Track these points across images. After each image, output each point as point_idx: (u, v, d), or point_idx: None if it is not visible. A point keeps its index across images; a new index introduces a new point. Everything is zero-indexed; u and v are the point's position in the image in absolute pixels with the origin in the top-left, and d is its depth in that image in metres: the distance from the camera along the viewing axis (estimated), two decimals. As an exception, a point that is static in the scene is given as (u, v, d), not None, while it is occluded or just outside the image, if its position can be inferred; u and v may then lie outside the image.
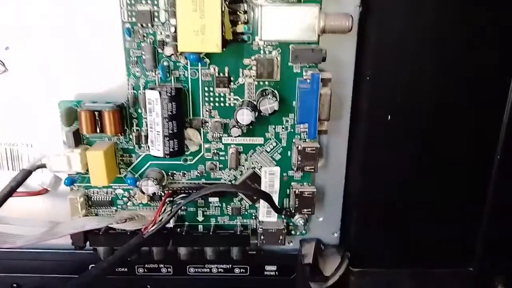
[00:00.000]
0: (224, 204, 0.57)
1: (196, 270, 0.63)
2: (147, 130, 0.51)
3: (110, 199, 0.58)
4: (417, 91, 0.50)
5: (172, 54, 0.49)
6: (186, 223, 0.59)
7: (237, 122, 0.51)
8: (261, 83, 0.51)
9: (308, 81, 0.50)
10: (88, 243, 0.56)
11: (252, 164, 0.55)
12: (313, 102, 0.50)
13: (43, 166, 0.54)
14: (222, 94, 0.52)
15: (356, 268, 0.58)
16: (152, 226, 0.51)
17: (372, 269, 0.59)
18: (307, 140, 0.53)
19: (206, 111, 0.52)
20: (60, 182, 0.56)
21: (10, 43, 0.51)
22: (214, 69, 0.50)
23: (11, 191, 0.50)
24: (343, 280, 0.57)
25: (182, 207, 0.57)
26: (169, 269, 0.63)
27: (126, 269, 0.63)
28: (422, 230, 0.56)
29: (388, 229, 0.56)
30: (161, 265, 0.63)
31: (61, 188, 0.57)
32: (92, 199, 0.58)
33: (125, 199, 0.58)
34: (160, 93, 0.49)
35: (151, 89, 0.50)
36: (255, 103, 0.52)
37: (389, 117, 0.51)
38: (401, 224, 0.56)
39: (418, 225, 0.56)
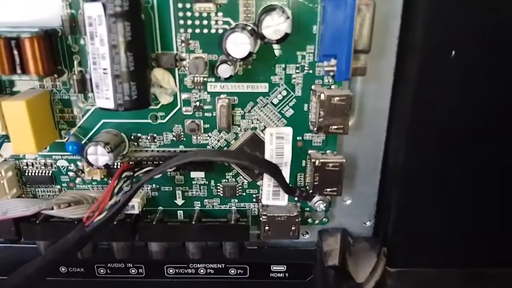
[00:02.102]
0: (212, 182, 0.44)
1: (177, 271, 0.50)
2: (93, 70, 0.34)
3: (50, 174, 0.43)
4: (498, 15, 0.36)
5: None
6: (160, 208, 0.45)
7: (228, 55, 0.34)
8: None
9: (339, -12, 0.32)
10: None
11: (252, 123, 0.41)
12: (346, 21, 0.34)
13: None
14: (205, 14, 0.37)
15: (395, 268, 0.48)
16: (99, 214, 0.33)
17: (415, 269, 0.48)
18: (332, 85, 0.39)
19: (182, 41, 0.38)
20: (-26, 149, 0.39)
21: None
22: None
23: None
24: (378, 283, 0.47)
25: (145, 186, 0.43)
26: (140, 270, 0.49)
27: (82, 269, 0.48)
28: (483, 219, 0.46)
29: (438, 217, 0.45)
30: (129, 265, 0.48)
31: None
32: (26, 174, 0.43)
33: (71, 174, 0.42)
34: (104, 5, 0.32)
35: (92, 0, 0.32)
36: (255, 27, 0.34)
37: (453, 53, 0.38)
38: (456, 210, 0.45)
39: (478, 212, 0.45)
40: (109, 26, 0.33)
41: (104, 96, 0.34)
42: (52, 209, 0.40)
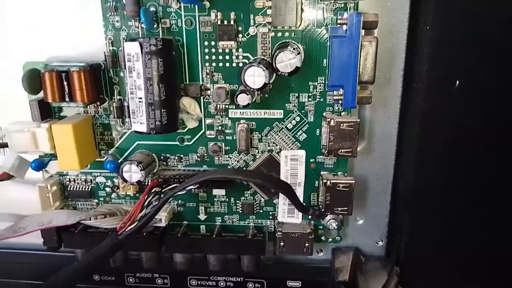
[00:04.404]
0: (232, 199, 0.47)
1: (199, 282, 0.52)
2: (131, 98, 0.39)
3: (89, 189, 0.47)
4: (498, 45, 0.38)
5: (157, -9, 0.36)
6: (185, 222, 0.48)
7: (246, 85, 0.38)
8: (280, 34, 0.39)
9: (345, 27, 0.36)
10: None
11: (269, 146, 0.44)
12: (351, 56, 0.37)
13: (4, 145, 0.43)
14: (227, 50, 0.41)
15: None
16: (130, 224, 0.38)
17: None
18: (342, 112, 0.42)
19: (207, 73, 0.42)
20: (26, 166, 0.45)
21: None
22: (216, 16, 0.40)
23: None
24: (389, 303, 0.47)
25: (172, 201, 0.46)
26: (165, 280, 0.52)
27: (113, 278, 0.51)
28: (496, 239, 0.45)
29: (451, 236, 0.46)
30: (156, 275, 0.51)
31: (33, 174, 0.46)
32: (69, 189, 0.47)
33: (108, 189, 0.47)
34: (141, 45, 0.37)
35: (131, 40, 0.37)
36: (271, 61, 0.38)
37: (458, 83, 0.39)
38: (469, 229, 0.45)
39: (490, 234, 0.45)
40: (145, 62, 0.37)
41: (139, 121, 0.39)
42: (90, 219, 0.44)
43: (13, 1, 0.42)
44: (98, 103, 0.43)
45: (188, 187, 0.38)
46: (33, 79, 0.41)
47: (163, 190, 0.42)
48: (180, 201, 0.47)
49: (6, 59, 0.43)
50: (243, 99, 0.39)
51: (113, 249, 0.38)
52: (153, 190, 0.41)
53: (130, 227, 0.38)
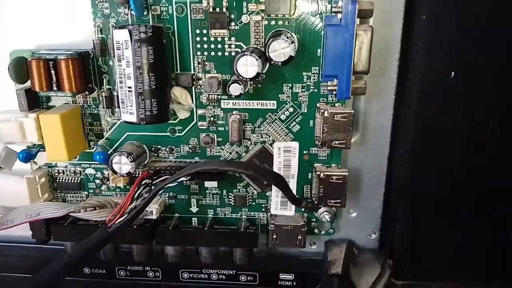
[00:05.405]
0: (224, 191, 0.47)
1: (191, 275, 0.52)
2: (120, 88, 0.38)
3: (79, 181, 0.46)
4: (495, 36, 0.38)
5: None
6: (176, 214, 0.48)
7: (238, 75, 0.37)
8: (273, 22, 0.39)
9: (339, 15, 0.35)
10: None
11: (262, 137, 0.44)
12: (346, 45, 0.36)
13: (-10, 135, 0.42)
14: (219, 39, 0.40)
15: (401, 281, 0.48)
16: (120, 216, 0.37)
17: (421, 282, 0.49)
18: (336, 103, 0.42)
19: (198, 62, 0.41)
20: (13, 157, 0.44)
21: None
22: (208, 3, 0.39)
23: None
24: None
25: (163, 194, 0.46)
26: (157, 273, 0.51)
27: (104, 271, 0.51)
28: (490, 232, 0.46)
29: (444, 230, 0.46)
30: (147, 268, 0.50)
31: (21, 166, 0.45)
32: (57, 181, 0.46)
33: (97, 181, 0.46)
34: (130, 32, 0.36)
35: (120, 27, 0.36)
36: (263, 50, 0.38)
37: (453, 74, 0.39)
38: (462, 223, 0.45)
39: (485, 226, 0.45)
40: (134, 50, 0.36)
41: (129, 111, 0.38)
42: (79, 212, 0.43)
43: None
44: (87, 92, 0.42)
45: (179, 179, 0.37)
46: (20, 68, 0.40)
47: (153, 182, 0.41)
48: (171, 193, 0.46)
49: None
50: (235, 89, 0.39)
51: (103, 241, 0.38)
52: (143, 182, 0.40)
53: (120, 219, 0.38)
